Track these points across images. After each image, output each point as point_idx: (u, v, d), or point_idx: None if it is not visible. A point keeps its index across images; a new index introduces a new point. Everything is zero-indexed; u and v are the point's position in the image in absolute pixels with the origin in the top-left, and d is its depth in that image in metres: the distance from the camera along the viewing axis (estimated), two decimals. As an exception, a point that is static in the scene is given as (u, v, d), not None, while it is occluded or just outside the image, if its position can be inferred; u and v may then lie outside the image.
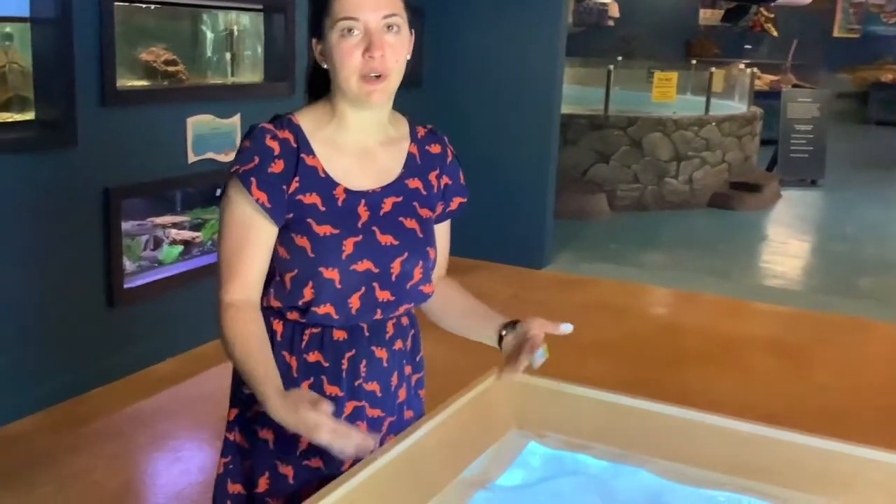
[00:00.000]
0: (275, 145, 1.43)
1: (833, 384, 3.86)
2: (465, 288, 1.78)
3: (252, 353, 1.39)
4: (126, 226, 3.70)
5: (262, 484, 1.48)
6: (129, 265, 3.67)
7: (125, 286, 3.53)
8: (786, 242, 6.77)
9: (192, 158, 3.76)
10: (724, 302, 5.08)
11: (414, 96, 4.44)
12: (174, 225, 4.07)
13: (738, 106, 8.56)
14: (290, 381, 1.45)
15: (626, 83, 8.35)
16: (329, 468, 1.47)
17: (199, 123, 3.77)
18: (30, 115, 3.30)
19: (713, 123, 7.73)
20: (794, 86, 10.91)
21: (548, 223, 5.57)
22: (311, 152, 1.46)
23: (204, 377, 3.56)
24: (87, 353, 3.44)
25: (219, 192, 1.51)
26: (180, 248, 3.98)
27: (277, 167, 1.43)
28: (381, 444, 1.51)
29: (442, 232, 1.69)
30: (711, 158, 7.71)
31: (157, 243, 3.95)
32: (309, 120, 1.48)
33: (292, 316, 1.45)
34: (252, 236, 1.43)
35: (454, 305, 1.71)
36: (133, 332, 3.61)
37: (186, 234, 4.04)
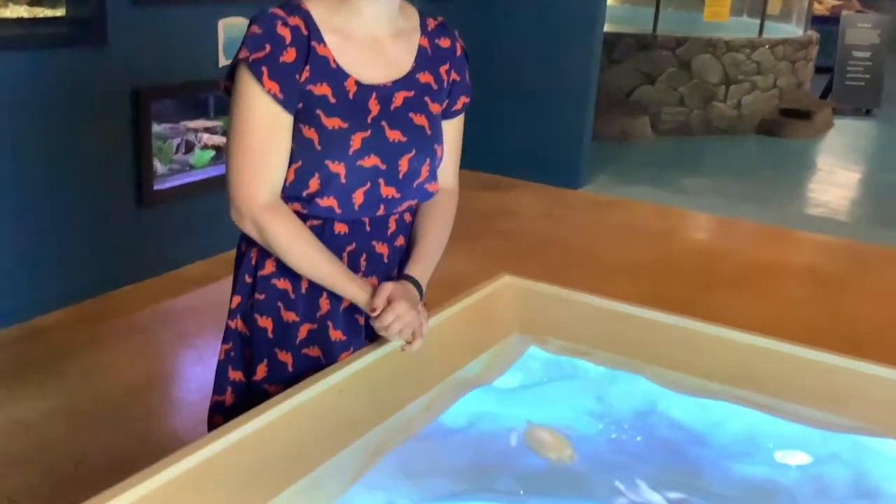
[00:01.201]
0: (286, 32, 1.39)
1: (864, 315, 3.78)
2: (449, 218, 1.62)
3: (323, 257, 1.43)
4: (158, 128, 3.71)
5: (261, 371, 1.50)
6: (160, 167, 3.70)
7: (155, 188, 3.56)
8: (833, 172, 6.58)
9: (222, 62, 3.74)
10: (762, 229, 4.97)
11: (447, 10, 4.34)
12: (206, 129, 4.07)
13: (794, 30, 8.24)
14: (288, 274, 1.46)
15: (678, 2, 8.05)
16: (327, 357, 1.48)
17: (230, 26, 3.74)
18: (61, 12, 3.30)
19: (766, 47, 7.45)
20: (857, 11, 10.44)
21: (585, 143, 5.47)
22: (321, 41, 1.42)
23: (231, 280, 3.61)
24: (117, 251, 3.50)
25: (223, 82, 1.48)
26: (212, 152, 3.99)
27: (289, 56, 1.38)
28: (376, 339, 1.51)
29: (452, 134, 1.62)
30: (762, 83, 7.46)
31: (189, 147, 3.97)
32: (319, 6, 1.43)
33: (294, 207, 1.44)
34: (276, 132, 1.39)
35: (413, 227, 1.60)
36: (163, 233, 3.66)
37: (218, 139, 4.05)
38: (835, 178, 6.43)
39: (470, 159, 5.37)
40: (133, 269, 3.56)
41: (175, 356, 3.08)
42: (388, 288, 1.42)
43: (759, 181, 6.10)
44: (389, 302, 1.41)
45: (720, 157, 6.79)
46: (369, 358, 1.45)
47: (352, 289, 1.44)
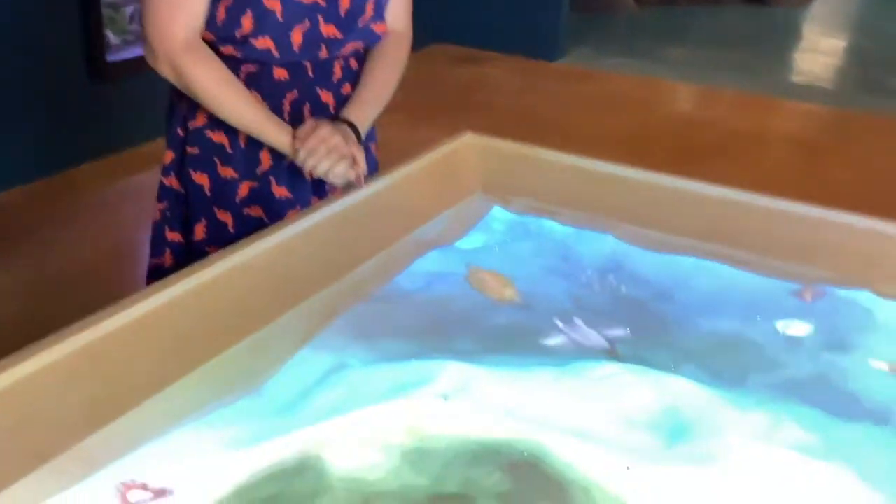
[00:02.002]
0: None
1: (848, 181, 3.72)
2: (398, 63, 1.54)
3: (246, 100, 1.31)
4: (109, -3, 3.51)
5: (199, 231, 1.41)
6: (113, 38, 3.51)
7: (109, 59, 3.39)
8: (818, 40, 6.41)
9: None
10: (746, 97, 4.85)
11: None
12: (163, -1, 3.86)
13: None
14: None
15: None
16: (271, 217, 1.39)
17: None
18: None
19: None
20: None
21: (563, 13, 5.26)
22: None
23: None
24: (73, 128, 3.36)
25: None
26: (170, 24, 3.79)
27: None
28: (325, 196, 1.42)
29: None
30: (749, -52, 7.19)
31: (146, 18, 3.76)
32: None
33: (226, 50, 1.32)
34: None
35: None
36: (121, 108, 3.51)
37: (176, 10, 3.84)
38: (820, 45, 6.27)
39: (444, 31, 5.19)
40: (91, 147, 3.42)
41: (137, 233, 2.99)
42: (312, 120, 1.31)
43: (745, 50, 5.94)
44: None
45: (704, 27, 6.59)
46: (319, 215, 1.36)
47: (274, 132, 1.33)
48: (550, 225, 1.62)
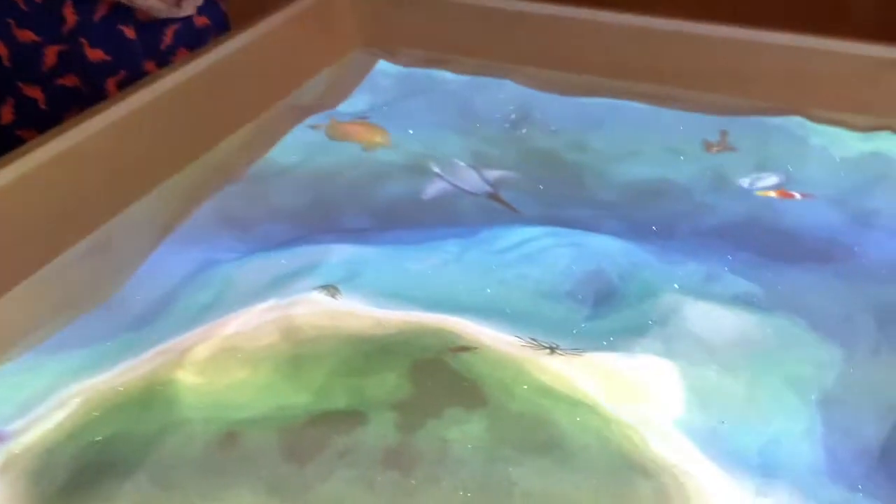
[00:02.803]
0: None
1: None
2: None
3: None
4: None
5: (7, 114, 1.17)
6: None
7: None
8: None
9: None
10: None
11: None
12: None
13: None
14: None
15: None
16: (89, 87, 1.15)
17: None
18: None
19: None
20: None
21: None
22: None
23: None
24: None
25: None
26: None
27: None
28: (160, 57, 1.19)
29: None
30: None
31: None
32: None
33: None
34: None
35: None
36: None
37: None
38: None
39: None
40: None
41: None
42: None
43: None
44: None
45: None
46: (163, 84, 1.13)
47: None
48: (443, 76, 1.43)
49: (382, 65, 1.45)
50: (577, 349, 0.81)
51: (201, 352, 0.76)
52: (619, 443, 0.68)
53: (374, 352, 0.73)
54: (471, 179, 1.16)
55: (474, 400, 0.69)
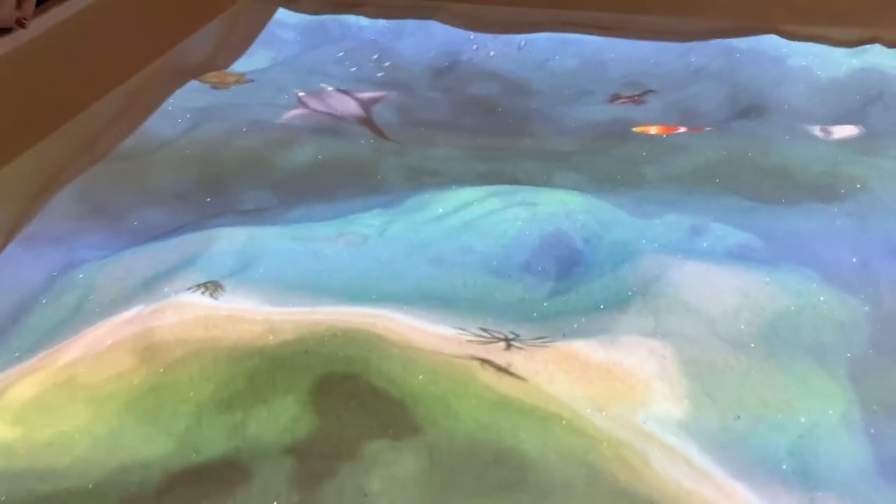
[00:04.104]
0: None
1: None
2: None
3: None
4: None
5: None
6: None
7: None
8: None
9: None
10: None
11: None
12: None
13: None
14: None
15: None
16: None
17: None
18: None
19: None
20: None
21: None
22: None
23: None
24: None
25: None
26: None
27: None
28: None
29: None
30: None
31: None
32: None
33: None
34: None
35: None
36: None
37: None
38: None
39: None
40: None
41: None
42: None
43: None
44: None
45: None
46: (5, 43, 0.90)
47: None
48: (357, 21, 1.22)
49: (282, 13, 1.23)
50: (542, 338, 0.62)
51: (23, 390, 0.55)
52: (612, 471, 0.49)
53: (262, 370, 0.52)
54: (341, 105, 0.97)
55: (404, 427, 0.49)
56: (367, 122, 0.99)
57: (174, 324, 0.58)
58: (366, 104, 1.00)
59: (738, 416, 0.59)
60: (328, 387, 0.52)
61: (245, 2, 1.23)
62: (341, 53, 1.13)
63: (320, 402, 0.50)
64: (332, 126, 0.97)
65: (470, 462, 0.47)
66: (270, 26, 1.22)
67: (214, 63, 1.13)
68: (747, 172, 0.90)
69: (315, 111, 0.96)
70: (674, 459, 0.52)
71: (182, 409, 0.51)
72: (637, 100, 1.02)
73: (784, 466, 0.57)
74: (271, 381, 0.53)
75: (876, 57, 1.04)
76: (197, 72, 1.09)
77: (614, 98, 1.03)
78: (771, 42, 1.08)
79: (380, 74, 1.06)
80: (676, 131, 0.98)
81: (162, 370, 0.54)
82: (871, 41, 1.05)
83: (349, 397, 0.50)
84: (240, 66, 1.15)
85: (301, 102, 0.97)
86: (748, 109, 0.99)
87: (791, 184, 0.88)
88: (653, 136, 0.98)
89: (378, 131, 0.98)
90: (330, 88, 0.98)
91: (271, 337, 0.56)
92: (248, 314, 0.60)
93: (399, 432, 0.49)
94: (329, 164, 0.95)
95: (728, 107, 1.00)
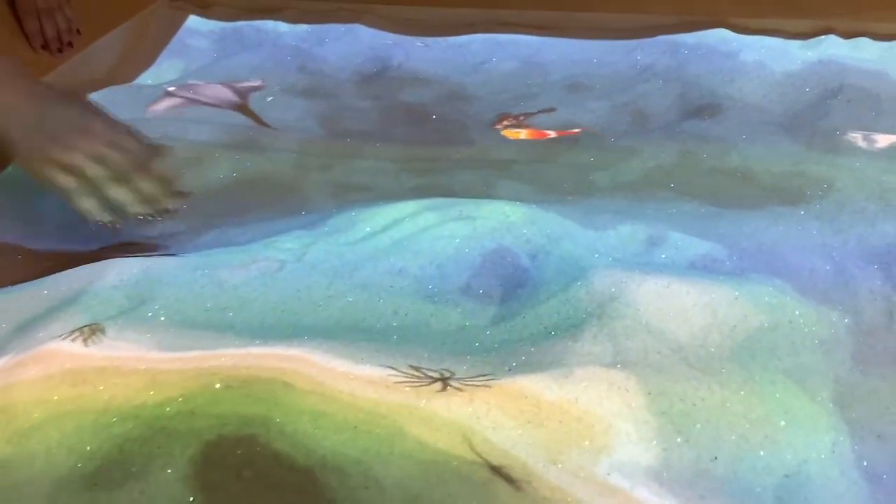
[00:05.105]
0: None
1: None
2: None
3: None
4: None
5: None
6: None
7: None
8: None
9: None
10: None
11: None
12: None
13: None
14: None
15: None
16: None
17: None
18: None
19: None
20: None
21: None
22: None
23: None
24: None
25: None
26: None
27: None
28: None
29: None
30: None
31: None
32: None
33: None
34: None
35: None
36: None
37: None
38: None
39: None
40: None
41: None
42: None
43: None
44: None
45: None
46: None
47: None
48: (276, 28, 1.12)
49: (193, 20, 1.13)
50: (484, 375, 0.52)
51: None
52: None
53: (136, 437, 0.42)
54: (214, 92, 0.89)
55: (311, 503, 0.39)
56: (243, 108, 0.90)
57: (35, 380, 0.48)
58: (242, 92, 0.91)
59: (716, 458, 0.51)
60: (217, 456, 0.42)
61: (154, 7, 1.13)
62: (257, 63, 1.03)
63: (205, 476, 0.41)
64: (210, 116, 0.88)
65: (395, 544, 0.38)
66: (181, 34, 1.12)
67: (118, 75, 1.02)
68: (704, 176, 0.83)
69: (184, 98, 0.87)
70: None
71: (32, 491, 0.41)
72: (521, 121, 0.94)
73: (772, 513, 0.48)
74: (146, 451, 0.42)
75: (832, 48, 0.98)
76: (98, 85, 0.99)
77: (501, 119, 0.94)
78: (720, 36, 1.02)
79: (269, 99, 0.98)
80: (546, 136, 0.91)
81: (13, 440, 0.44)
82: (826, 32, 1.00)
83: (242, 467, 0.41)
84: (147, 77, 1.05)
85: (168, 94, 0.88)
86: (700, 108, 0.92)
87: (753, 186, 0.80)
88: (523, 140, 0.91)
89: (257, 119, 0.90)
90: (199, 83, 0.90)
91: (152, 393, 0.46)
92: (128, 364, 0.49)
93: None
94: (244, 183, 0.85)
95: (679, 106, 0.93)
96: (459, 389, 0.50)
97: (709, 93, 0.94)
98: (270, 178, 0.85)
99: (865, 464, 0.54)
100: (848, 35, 0.98)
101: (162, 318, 0.57)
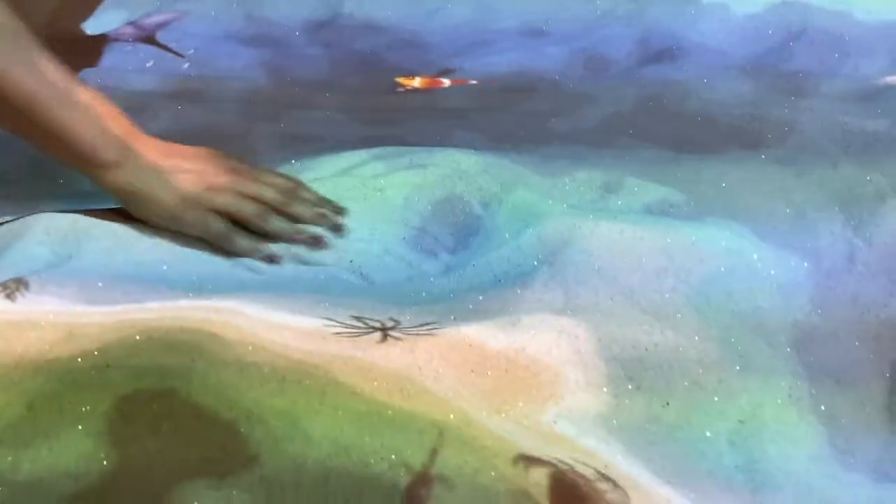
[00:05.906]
0: None
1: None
2: None
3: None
4: None
5: None
6: None
7: None
8: None
9: None
10: None
11: None
12: None
13: None
14: None
15: None
16: None
17: None
18: None
19: None
20: None
21: None
22: None
23: None
24: None
25: None
26: None
27: None
28: None
29: None
30: None
31: None
32: None
33: None
34: None
35: None
36: None
37: None
38: None
39: None
40: None
41: None
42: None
43: None
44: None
45: None
46: None
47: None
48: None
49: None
50: (428, 324, 0.50)
51: None
52: (512, 495, 0.38)
53: (47, 392, 0.39)
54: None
55: (234, 457, 0.36)
56: (151, 40, 0.87)
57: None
58: (150, 28, 0.88)
59: (668, 403, 0.49)
60: (133, 410, 0.39)
61: (92, -44, 1.08)
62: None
63: (120, 432, 0.38)
64: (152, 68, 0.85)
65: (323, 500, 0.35)
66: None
67: (57, 27, 0.97)
68: (663, 121, 0.80)
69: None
70: (592, 468, 0.41)
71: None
72: (435, 82, 0.91)
73: (725, 461, 0.47)
74: (57, 407, 0.40)
75: (795, -12, 0.96)
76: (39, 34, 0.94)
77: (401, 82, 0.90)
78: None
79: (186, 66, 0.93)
80: (441, 85, 0.89)
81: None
82: (789, -27, 0.97)
83: (160, 422, 0.38)
84: (89, 27, 1.00)
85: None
86: (660, 53, 0.89)
87: (713, 130, 0.78)
88: (417, 88, 0.88)
89: (167, 48, 0.87)
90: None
91: (67, 347, 0.43)
92: (46, 318, 0.46)
93: (227, 465, 0.37)
94: (189, 134, 0.81)
95: (638, 52, 0.90)
96: (400, 339, 0.47)
97: (669, 37, 0.91)
98: (215, 128, 0.81)
99: (823, 408, 0.52)
100: (812, -24, 0.95)
101: (90, 272, 0.54)
